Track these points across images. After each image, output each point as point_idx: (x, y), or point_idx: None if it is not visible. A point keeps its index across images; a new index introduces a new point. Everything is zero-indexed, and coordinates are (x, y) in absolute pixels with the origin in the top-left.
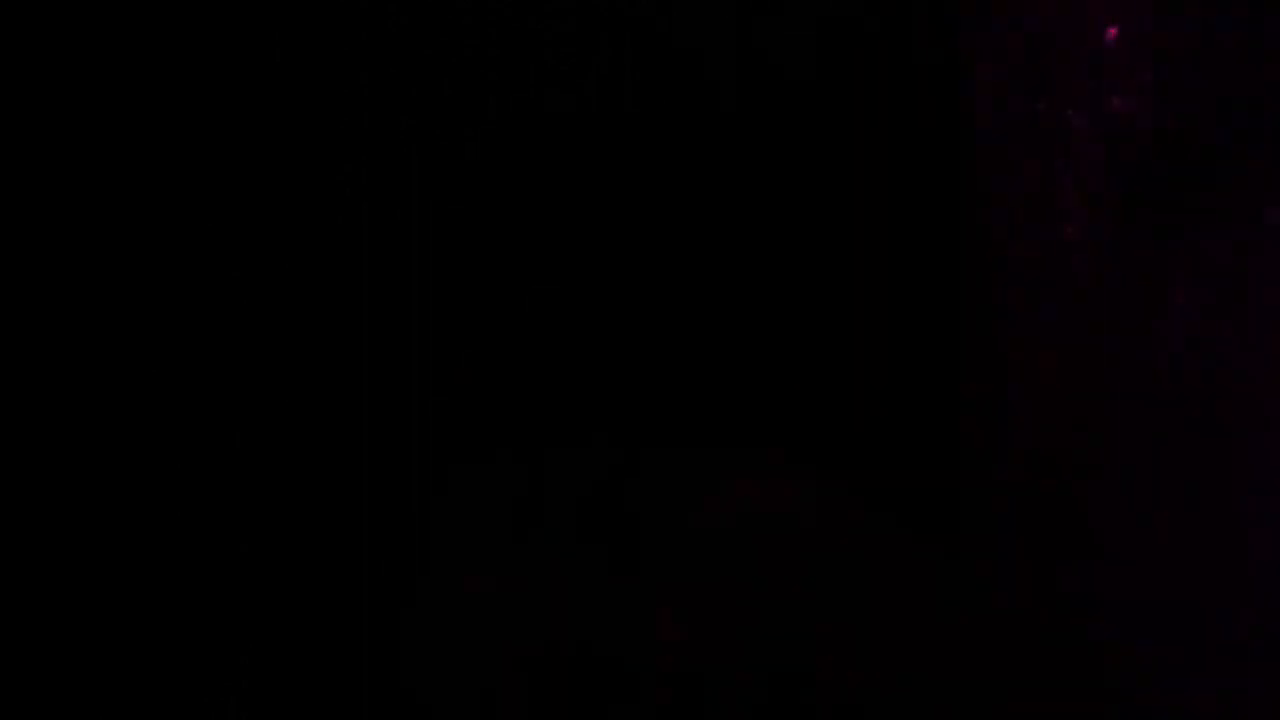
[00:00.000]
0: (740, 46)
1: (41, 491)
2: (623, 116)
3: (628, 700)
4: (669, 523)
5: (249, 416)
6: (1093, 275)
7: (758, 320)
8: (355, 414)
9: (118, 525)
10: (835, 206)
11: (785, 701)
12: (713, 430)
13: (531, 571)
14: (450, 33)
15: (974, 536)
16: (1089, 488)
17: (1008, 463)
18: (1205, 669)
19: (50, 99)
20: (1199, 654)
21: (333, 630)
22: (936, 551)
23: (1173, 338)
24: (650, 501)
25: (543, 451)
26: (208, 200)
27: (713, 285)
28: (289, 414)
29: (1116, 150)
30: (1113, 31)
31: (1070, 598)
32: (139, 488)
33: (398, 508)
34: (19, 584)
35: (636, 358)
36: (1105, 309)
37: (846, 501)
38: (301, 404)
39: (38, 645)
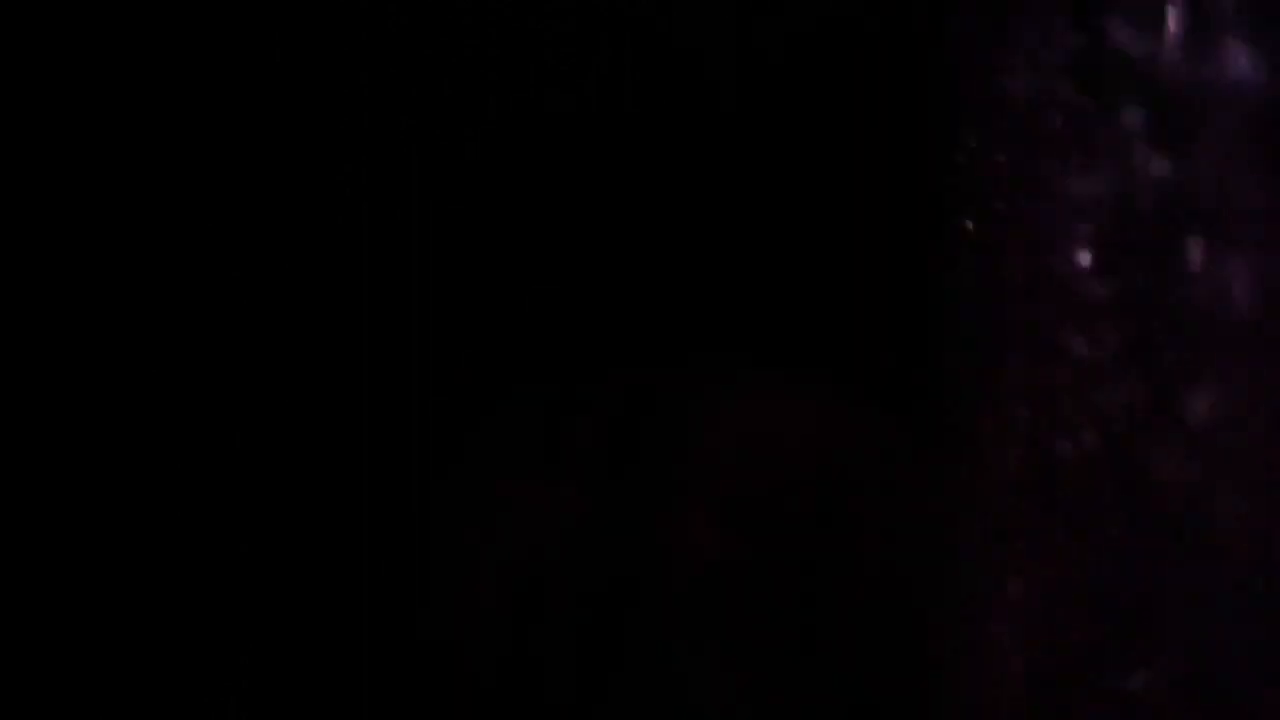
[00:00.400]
0: (740, 46)
1: (38, 481)
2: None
3: (657, 621)
4: (686, 445)
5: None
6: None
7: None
8: (353, 378)
9: (113, 493)
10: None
11: (816, 612)
12: (715, 346)
13: (547, 502)
14: (450, 32)
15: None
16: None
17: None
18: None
19: (49, 98)
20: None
21: (337, 601)
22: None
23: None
24: (664, 427)
25: (543, 399)
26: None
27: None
28: (287, 380)
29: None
30: None
31: None
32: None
33: (400, 474)
34: (18, 584)
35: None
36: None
37: (862, 418)
38: (298, 371)
39: (37, 645)
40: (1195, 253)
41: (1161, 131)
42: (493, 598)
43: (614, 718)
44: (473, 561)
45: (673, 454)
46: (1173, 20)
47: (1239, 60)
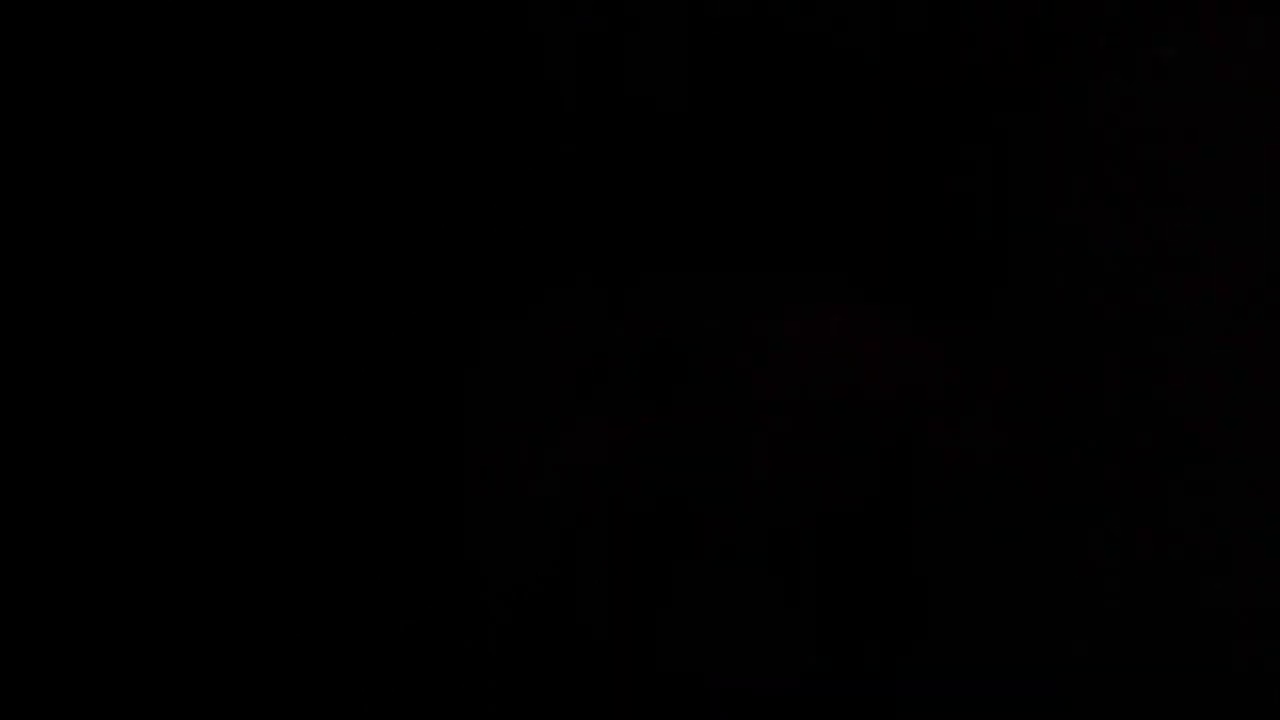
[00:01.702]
0: None
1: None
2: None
3: (716, 552)
4: (733, 359)
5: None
6: None
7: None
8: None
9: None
10: None
11: (883, 543)
12: (759, 256)
13: (590, 424)
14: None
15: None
16: None
17: None
18: None
19: (50, 99)
20: None
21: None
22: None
23: None
24: (707, 338)
25: (578, 301)
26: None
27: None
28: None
29: None
30: None
31: None
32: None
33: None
34: (19, 582)
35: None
36: None
37: (905, 328)
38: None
39: (39, 641)
40: None
41: None
42: (535, 521)
43: (655, 647)
44: (515, 483)
45: (724, 371)
46: None
47: None
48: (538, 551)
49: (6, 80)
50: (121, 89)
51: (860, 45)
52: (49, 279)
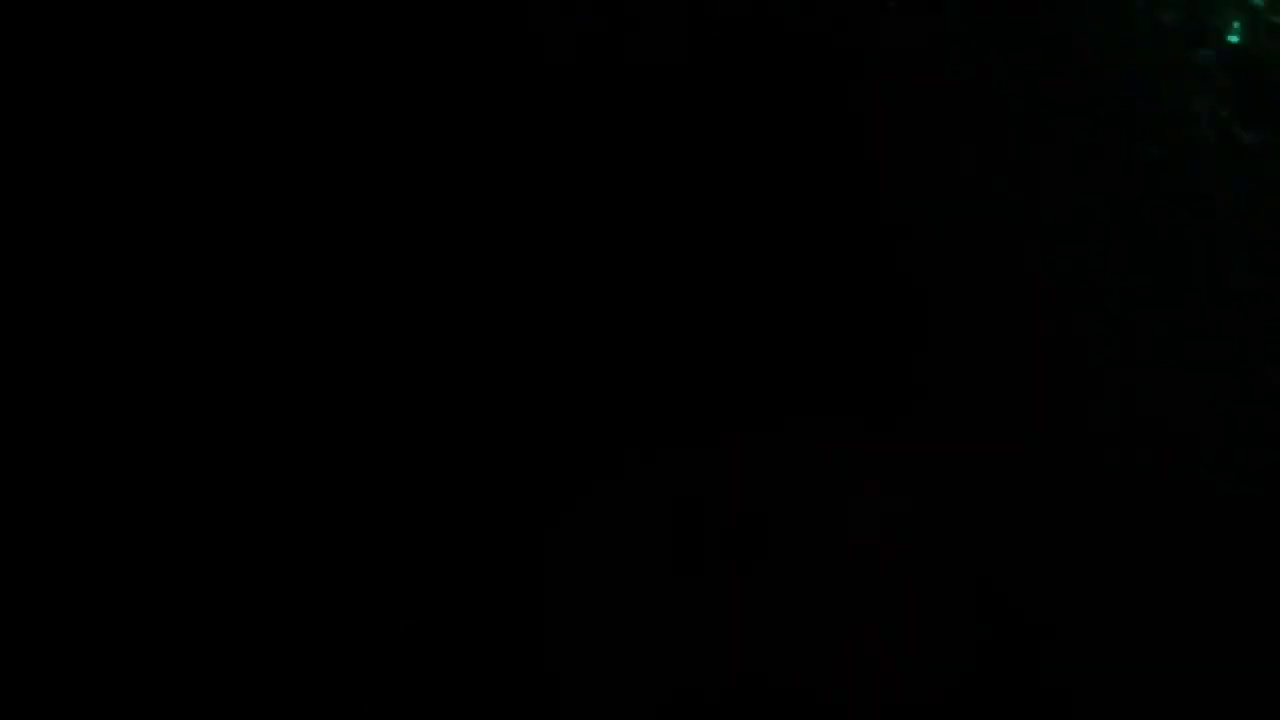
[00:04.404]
0: None
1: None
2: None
3: None
4: (812, 534)
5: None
6: None
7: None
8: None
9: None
10: None
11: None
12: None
13: (680, 597)
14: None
15: None
16: None
17: None
18: None
19: (51, 99)
20: None
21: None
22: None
23: None
24: (780, 507)
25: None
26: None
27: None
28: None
29: None
30: None
31: None
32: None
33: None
34: (21, 581)
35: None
36: None
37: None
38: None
39: (43, 635)
40: None
41: None
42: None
43: None
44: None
45: (789, 546)
46: None
47: None
48: None
49: (6, 80)
50: (124, 93)
51: (860, 45)
52: (50, 280)
